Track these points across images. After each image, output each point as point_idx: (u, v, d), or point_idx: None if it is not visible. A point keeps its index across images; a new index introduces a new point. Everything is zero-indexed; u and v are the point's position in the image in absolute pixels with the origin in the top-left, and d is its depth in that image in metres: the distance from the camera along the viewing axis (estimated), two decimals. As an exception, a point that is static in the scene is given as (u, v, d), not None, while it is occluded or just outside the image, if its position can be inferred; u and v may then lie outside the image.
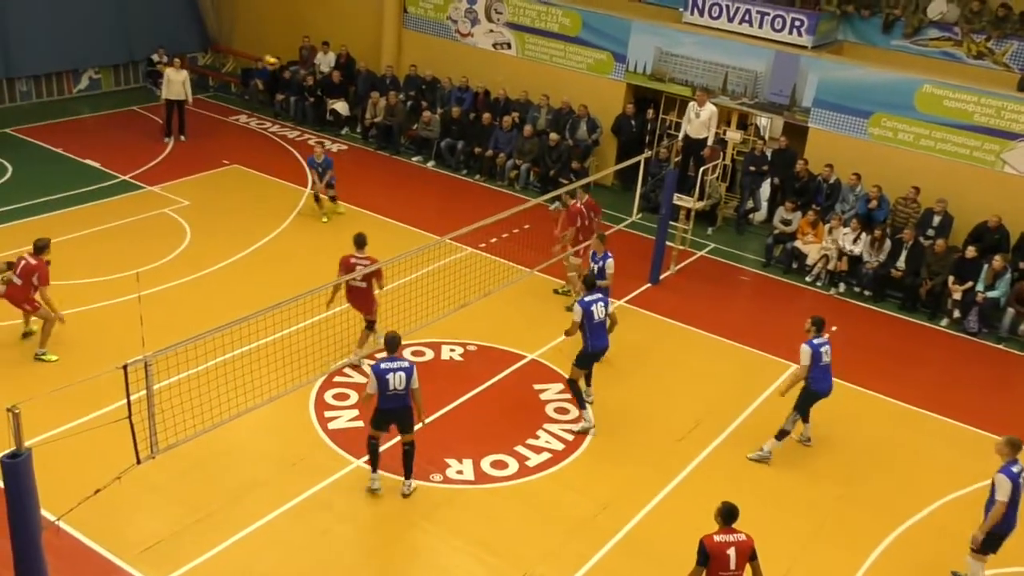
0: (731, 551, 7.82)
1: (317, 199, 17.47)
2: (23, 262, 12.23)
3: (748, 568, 7.95)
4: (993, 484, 9.37)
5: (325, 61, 23.14)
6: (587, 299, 11.63)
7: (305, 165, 18.61)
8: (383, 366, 9.91)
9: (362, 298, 12.55)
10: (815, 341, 11.33)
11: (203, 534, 9.65)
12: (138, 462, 8.93)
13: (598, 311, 11.64)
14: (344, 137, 21.92)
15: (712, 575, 7.83)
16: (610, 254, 13.44)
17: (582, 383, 12.00)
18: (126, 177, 18.35)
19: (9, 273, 12.35)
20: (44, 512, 7.98)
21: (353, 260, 12.46)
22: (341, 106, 22.21)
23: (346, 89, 22.49)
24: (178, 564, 9.25)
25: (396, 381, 9.89)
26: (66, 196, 17.16)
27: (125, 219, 16.47)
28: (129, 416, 8.66)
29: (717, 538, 7.89)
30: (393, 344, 10.02)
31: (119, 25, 23.06)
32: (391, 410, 10.06)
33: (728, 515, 8.00)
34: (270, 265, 15.39)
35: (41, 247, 12.38)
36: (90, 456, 9.75)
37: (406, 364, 9.99)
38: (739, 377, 13.49)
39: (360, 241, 12.60)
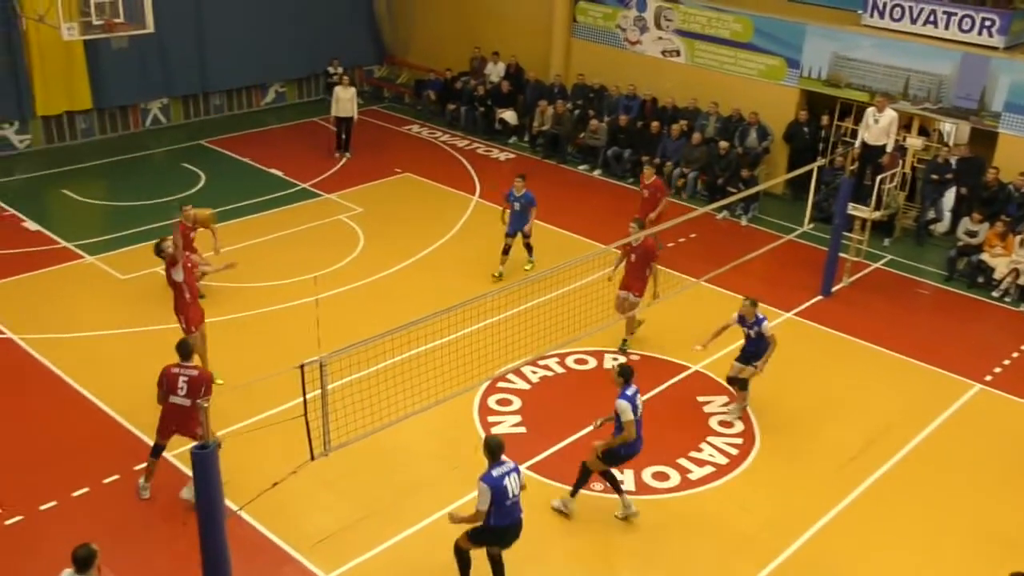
0: None
1: (507, 250, 15.58)
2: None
3: None
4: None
5: (495, 71, 23.58)
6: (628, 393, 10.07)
7: (503, 200, 15.90)
8: (494, 473, 8.68)
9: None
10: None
11: (371, 530, 10.00)
12: (312, 458, 9.36)
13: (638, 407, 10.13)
14: (512, 146, 22.25)
15: None
16: (764, 317, 12.13)
17: None
18: (306, 185, 19.28)
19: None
20: (227, 502, 8.49)
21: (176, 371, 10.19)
22: (510, 115, 22.57)
23: (515, 98, 22.84)
24: (347, 558, 9.63)
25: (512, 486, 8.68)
26: (252, 203, 18.18)
27: (304, 225, 17.29)
28: (305, 414, 9.09)
29: None
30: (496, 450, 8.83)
31: (302, 40, 24.25)
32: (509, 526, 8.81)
33: None
34: (439, 271, 15.81)
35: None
36: (268, 451, 10.29)
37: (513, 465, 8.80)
38: (915, 396, 12.85)
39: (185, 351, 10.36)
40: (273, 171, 19.95)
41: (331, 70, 23.75)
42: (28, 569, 9.32)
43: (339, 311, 14.13)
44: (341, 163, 20.68)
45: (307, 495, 10.34)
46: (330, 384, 9.15)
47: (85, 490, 10.38)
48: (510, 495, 8.58)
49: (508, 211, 15.50)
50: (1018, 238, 16.03)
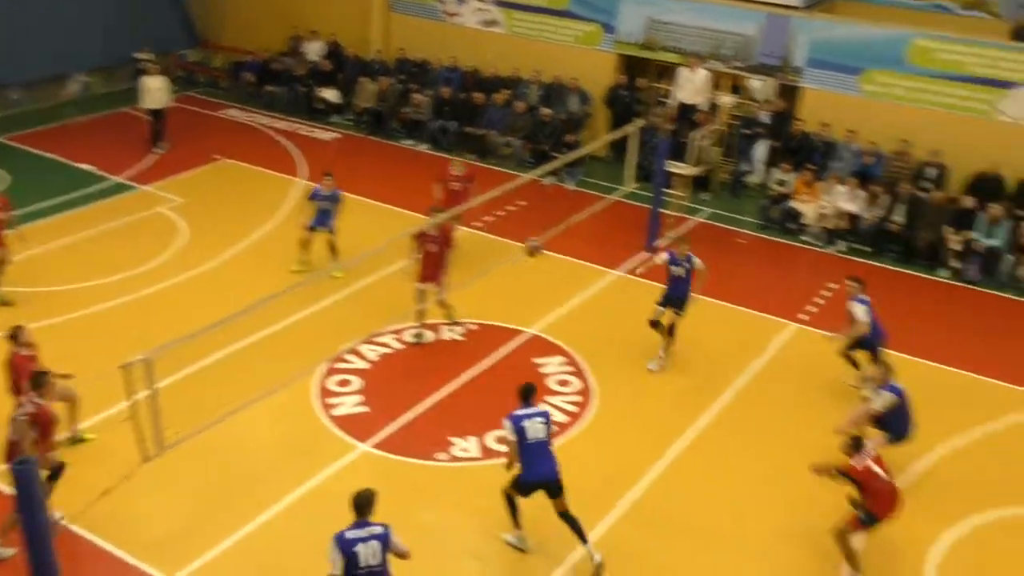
0: (875, 468, 8.98)
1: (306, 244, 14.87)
2: None
3: None
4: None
5: (313, 50, 23.08)
6: None
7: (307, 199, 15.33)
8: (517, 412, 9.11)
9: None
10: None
11: (214, 527, 9.72)
12: (145, 460, 9.03)
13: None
14: (335, 125, 21.89)
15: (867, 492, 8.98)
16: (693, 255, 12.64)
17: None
18: (120, 178, 18.36)
19: None
20: (56, 514, 8.09)
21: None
22: (331, 93, 22.17)
23: (335, 76, 22.44)
24: (191, 558, 9.31)
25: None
26: (62, 201, 17.18)
27: (121, 220, 16.50)
28: (132, 416, 8.75)
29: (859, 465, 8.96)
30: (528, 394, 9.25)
31: (107, 26, 22.99)
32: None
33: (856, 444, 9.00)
34: (267, 257, 15.40)
35: None
36: (98, 458, 9.87)
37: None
38: (739, 339, 13.50)
39: None
40: (84, 166, 18.90)
41: (140, 57, 22.67)
42: None
43: (165, 306, 13.63)
44: (158, 154, 19.81)
45: (144, 499, 9.94)
46: (159, 383, 8.84)
47: None
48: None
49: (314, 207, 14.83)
50: (824, 185, 17.02)
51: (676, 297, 12.59)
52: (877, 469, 9.05)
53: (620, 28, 19.95)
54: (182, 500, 10.13)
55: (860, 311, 11.72)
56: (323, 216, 14.82)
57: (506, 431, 9.13)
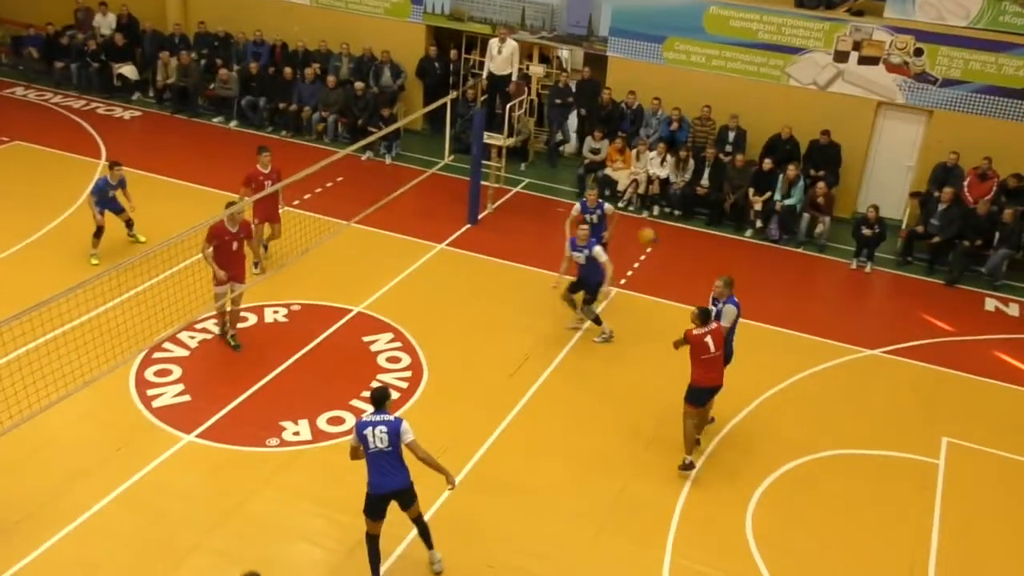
0: (708, 339, 10.14)
1: (99, 232, 14.08)
2: None
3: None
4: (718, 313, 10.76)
5: (105, 23, 21.74)
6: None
7: (88, 193, 14.32)
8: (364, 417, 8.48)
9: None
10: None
11: (29, 533, 9.07)
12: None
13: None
14: (136, 103, 20.76)
15: (695, 359, 10.21)
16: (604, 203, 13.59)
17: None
18: None
19: None
20: None
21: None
22: (129, 70, 20.98)
23: (132, 52, 21.24)
24: (8, 564, 8.70)
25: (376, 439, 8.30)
26: None
27: None
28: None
29: (696, 332, 10.17)
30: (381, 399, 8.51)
31: None
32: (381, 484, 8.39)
33: (704, 315, 10.24)
34: (69, 244, 14.46)
35: None
36: None
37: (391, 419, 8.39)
38: (564, 306, 13.79)
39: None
40: None
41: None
42: None
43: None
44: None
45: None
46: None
47: None
48: (370, 444, 8.23)
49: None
50: (634, 152, 17.60)
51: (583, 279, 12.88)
52: (709, 340, 10.15)
53: (427, 0, 19.85)
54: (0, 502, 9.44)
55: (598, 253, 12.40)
56: (113, 202, 14.21)
57: (351, 439, 8.52)
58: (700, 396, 10.46)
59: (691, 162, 17.22)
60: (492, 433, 11.01)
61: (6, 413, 9.19)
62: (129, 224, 14.50)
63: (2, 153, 17.72)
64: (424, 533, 8.85)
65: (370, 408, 8.59)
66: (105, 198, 14.10)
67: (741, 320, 11.01)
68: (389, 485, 8.37)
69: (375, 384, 11.67)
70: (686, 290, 14.15)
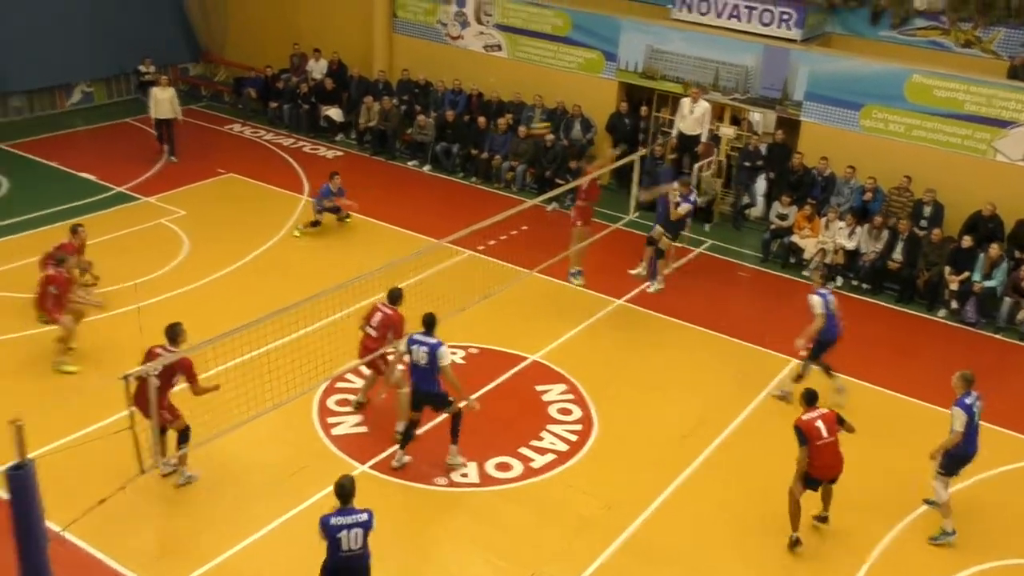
0: (819, 423, 9.73)
1: (316, 223, 17.05)
2: (45, 275, 12.61)
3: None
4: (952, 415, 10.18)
5: (317, 68, 23.15)
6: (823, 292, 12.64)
7: (310, 197, 17.85)
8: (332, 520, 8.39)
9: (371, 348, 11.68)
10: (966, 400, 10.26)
11: (208, 543, 9.64)
12: (142, 472, 8.97)
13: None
14: (339, 143, 21.93)
15: (811, 449, 9.71)
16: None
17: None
18: (121, 189, 18.35)
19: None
20: (50, 523, 7.99)
21: (381, 310, 11.72)
22: (335, 112, 22.23)
23: (339, 95, 22.52)
24: (183, 573, 9.23)
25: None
26: (62, 210, 17.12)
27: (122, 231, 16.44)
28: (132, 426, 8.70)
29: (806, 416, 9.78)
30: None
31: (109, 37, 23.00)
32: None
33: (810, 397, 9.92)
34: (269, 273, 15.40)
35: (60, 259, 12.76)
36: (96, 467, 9.74)
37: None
38: (741, 373, 13.50)
39: (395, 297, 11.80)
40: (84, 175, 18.88)
41: (143, 69, 22.69)
42: None
43: (165, 319, 13.49)
44: (160, 165, 19.79)
45: (140, 511, 9.88)
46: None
47: None
48: (343, 546, 8.06)
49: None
50: (823, 220, 17.11)
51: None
52: (820, 424, 9.71)
53: (621, 56, 20.09)
54: (179, 514, 10.07)
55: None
56: (333, 206, 17.05)
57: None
58: (811, 483, 10.06)
59: (884, 233, 16.56)
60: (659, 496, 10.84)
61: (203, 427, 9.80)
62: (342, 216, 17.33)
63: (219, 184, 19.10)
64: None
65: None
66: (325, 202, 16.91)
67: (924, 403, 10.46)
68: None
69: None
70: (865, 367, 13.58)
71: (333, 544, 8.02)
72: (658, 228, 14.99)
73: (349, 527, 7.99)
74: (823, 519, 10.46)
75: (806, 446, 9.75)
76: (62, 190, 18.06)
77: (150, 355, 9.93)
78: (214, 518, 10.01)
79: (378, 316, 11.55)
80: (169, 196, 18.11)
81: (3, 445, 7.45)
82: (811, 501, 10.32)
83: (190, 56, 25.43)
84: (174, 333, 10.14)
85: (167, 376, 9.84)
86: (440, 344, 10.46)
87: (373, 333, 11.53)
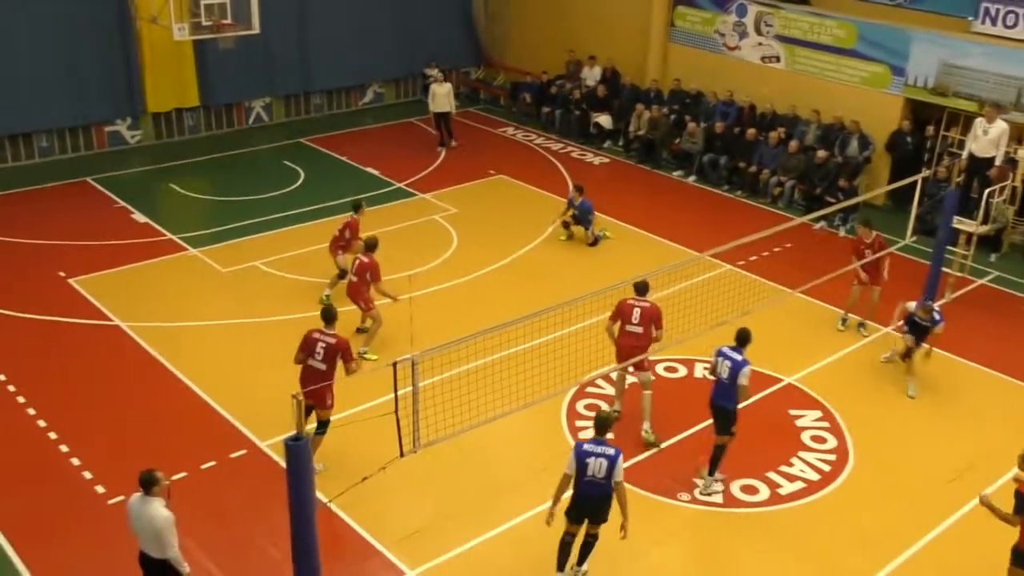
0: None
1: (568, 225, 17.26)
2: (357, 261, 13.26)
3: None
4: None
5: (591, 75, 23.55)
6: None
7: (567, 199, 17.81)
8: (586, 448, 9.04)
9: (635, 347, 11.64)
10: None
11: (455, 530, 10.09)
12: (401, 455, 9.49)
13: None
14: (606, 150, 22.19)
15: None
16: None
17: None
18: (401, 184, 19.56)
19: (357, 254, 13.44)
20: (318, 494, 8.66)
21: (632, 303, 11.64)
22: (604, 119, 22.51)
23: (610, 102, 22.77)
24: (431, 555, 9.73)
25: (596, 467, 8.94)
26: (348, 201, 18.45)
27: (399, 224, 17.53)
28: (396, 411, 9.23)
29: None
30: (602, 426, 9.18)
31: (401, 42, 24.63)
32: (587, 497, 9.10)
33: None
34: (530, 273, 15.88)
35: (372, 245, 13.32)
36: (360, 445, 10.48)
37: (611, 452, 8.96)
38: (1021, 419, 12.37)
39: (642, 288, 11.77)
40: (369, 170, 20.30)
41: (428, 72, 24.04)
42: (128, 546, 9.69)
43: (432, 310, 14.29)
44: (438, 161, 20.92)
45: (395, 491, 10.48)
46: (421, 382, 9.28)
47: (183, 474, 10.71)
48: (587, 472, 8.78)
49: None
50: None
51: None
52: None
53: (910, 71, 18.94)
54: (430, 499, 10.60)
55: None
56: (581, 218, 16.93)
57: (568, 464, 9.05)
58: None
59: None
60: (917, 542, 10.14)
61: (458, 418, 10.23)
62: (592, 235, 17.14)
63: (488, 184, 19.91)
64: (586, 548, 9.32)
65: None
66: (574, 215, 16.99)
67: None
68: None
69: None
70: None
71: (580, 469, 8.79)
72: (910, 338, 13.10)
73: (596, 455, 8.77)
74: None
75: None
76: (349, 183, 19.51)
77: (308, 339, 10.62)
78: (461, 506, 10.46)
79: (637, 311, 11.53)
80: (443, 194, 19.10)
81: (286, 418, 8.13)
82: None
83: (472, 61, 26.66)
84: (329, 315, 10.78)
85: (330, 357, 10.55)
86: (745, 363, 10.31)
87: (638, 330, 11.49)
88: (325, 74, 23.75)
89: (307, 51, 23.19)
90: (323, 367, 10.57)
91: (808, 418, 12.21)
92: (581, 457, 8.92)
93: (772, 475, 11.08)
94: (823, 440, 11.77)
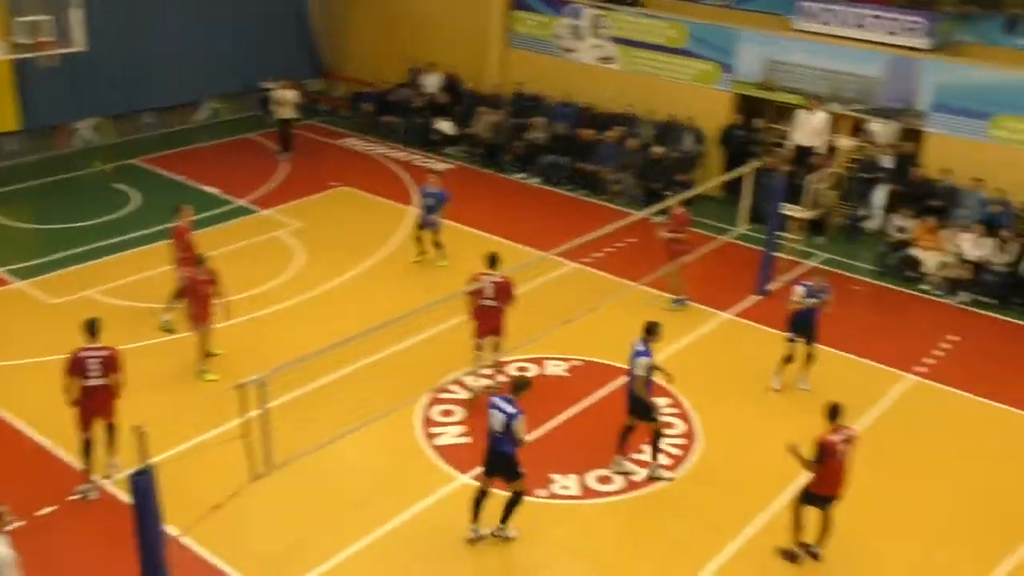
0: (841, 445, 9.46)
1: (420, 237, 16.53)
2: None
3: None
4: None
5: (431, 82, 23.57)
6: None
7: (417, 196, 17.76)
8: (494, 401, 9.71)
9: (493, 318, 12.33)
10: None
11: (315, 549, 9.88)
12: (254, 478, 9.26)
13: None
14: (450, 156, 22.24)
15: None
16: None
17: None
18: (243, 202, 19.05)
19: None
20: (169, 528, 8.34)
21: (483, 277, 12.26)
22: (446, 125, 22.57)
23: (452, 109, 22.85)
24: (293, 576, 9.50)
25: (495, 422, 9.59)
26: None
27: (241, 242, 17.05)
28: (244, 434, 8.99)
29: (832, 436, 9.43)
30: (515, 386, 9.76)
31: (236, 56, 23.99)
32: (491, 450, 9.75)
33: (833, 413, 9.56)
34: (379, 284, 15.72)
35: (200, 260, 12.84)
36: (211, 472, 10.13)
37: (511, 410, 9.51)
38: (854, 388, 13.02)
39: (493, 260, 12.49)
40: (209, 189, 19.68)
41: (267, 86, 23.55)
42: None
43: (280, 328, 14.01)
44: (280, 177, 20.47)
45: (251, 516, 10.19)
46: (271, 402, 9.07)
47: (21, 523, 10.07)
48: (488, 423, 9.58)
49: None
50: (946, 232, 16.43)
51: (806, 326, 12.78)
52: (841, 448, 9.40)
53: (738, 67, 19.79)
54: (288, 520, 10.34)
55: None
56: (428, 213, 16.23)
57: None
58: (813, 499, 9.75)
59: (1013, 245, 15.78)
60: (765, 514, 10.55)
61: (309, 434, 10.05)
62: (438, 244, 16.36)
63: (332, 196, 19.63)
64: (508, 507, 9.80)
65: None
66: (424, 207, 16.31)
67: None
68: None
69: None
70: (997, 385, 13.00)
71: (489, 423, 9.55)
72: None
73: (498, 410, 9.47)
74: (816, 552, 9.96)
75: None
76: (188, 203, 18.78)
77: (77, 360, 10.27)
78: (321, 523, 10.26)
79: (491, 286, 11.92)
80: (286, 209, 18.70)
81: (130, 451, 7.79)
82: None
83: (311, 73, 26.23)
84: (94, 328, 10.45)
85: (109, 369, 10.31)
86: (644, 355, 10.74)
87: (493, 303, 12.04)
88: (156, 91, 22.88)
89: (136, 68, 22.26)
90: (104, 382, 10.30)
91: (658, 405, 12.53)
92: (489, 409, 9.60)
93: (626, 463, 11.32)
94: (672, 426, 12.12)
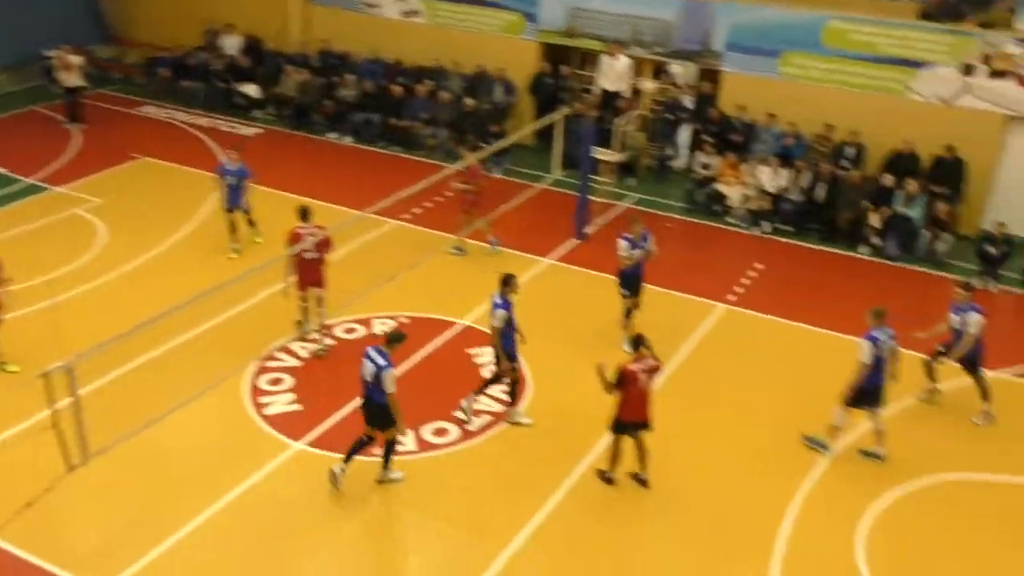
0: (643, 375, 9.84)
1: (233, 227, 15.18)
2: None
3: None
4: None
5: (230, 44, 22.61)
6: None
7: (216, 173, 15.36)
8: (368, 351, 9.80)
9: (313, 270, 12.34)
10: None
11: (144, 535, 9.45)
12: (69, 469, 8.78)
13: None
14: (258, 120, 21.50)
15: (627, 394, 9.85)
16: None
17: None
18: (33, 180, 17.77)
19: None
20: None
21: (301, 231, 12.22)
22: (250, 88, 21.76)
23: (255, 71, 22.03)
24: (120, 568, 9.04)
25: (366, 371, 9.75)
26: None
27: (34, 223, 15.95)
28: (54, 424, 8.50)
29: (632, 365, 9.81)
30: (389, 337, 9.92)
31: (14, 23, 22.22)
32: (364, 398, 9.97)
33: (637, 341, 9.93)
34: (191, 257, 15.06)
35: None
36: (20, 469, 9.52)
37: (381, 362, 9.64)
38: (671, 322, 13.60)
39: (305, 213, 12.41)
40: (-9, 167, 18.25)
41: (50, 55, 21.95)
42: None
43: (86, 311, 13.23)
44: (72, 149, 19.22)
45: (71, 509, 9.65)
46: (82, 388, 8.60)
47: None
48: (361, 374, 9.70)
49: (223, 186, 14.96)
50: (746, 167, 17.29)
51: (636, 281, 13.08)
52: (642, 377, 9.82)
53: (542, 16, 19.96)
54: (113, 509, 9.84)
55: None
56: (233, 194, 14.95)
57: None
58: (623, 428, 10.22)
59: (806, 175, 16.79)
60: (598, 446, 10.90)
61: (128, 418, 9.60)
62: (251, 224, 15.38)
63: (133, 168, 18.59)
64: (386, 453, 10.07)
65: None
66: (228, 187, 14.85)
67: (849, 337, 10.65)
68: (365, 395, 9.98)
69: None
70: (798, 307, 13.82)
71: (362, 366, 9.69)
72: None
73: (369, 360, 9.61)
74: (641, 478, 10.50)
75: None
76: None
77: None
78: (148, 509, 9.82)
79: (310, 238, 11.91)
80: (83, 184, 17.56)
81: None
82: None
83: (98, 38, 24.65)
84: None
85: None
86: (502, 307, 10.93)
87: (315, 255, 12.12)
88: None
89: None
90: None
91: (486, 355, 12.63)
92: (363, 359, 9.70)
93: (459, 414, 11.41)
94: (521, 376, 12.22)
